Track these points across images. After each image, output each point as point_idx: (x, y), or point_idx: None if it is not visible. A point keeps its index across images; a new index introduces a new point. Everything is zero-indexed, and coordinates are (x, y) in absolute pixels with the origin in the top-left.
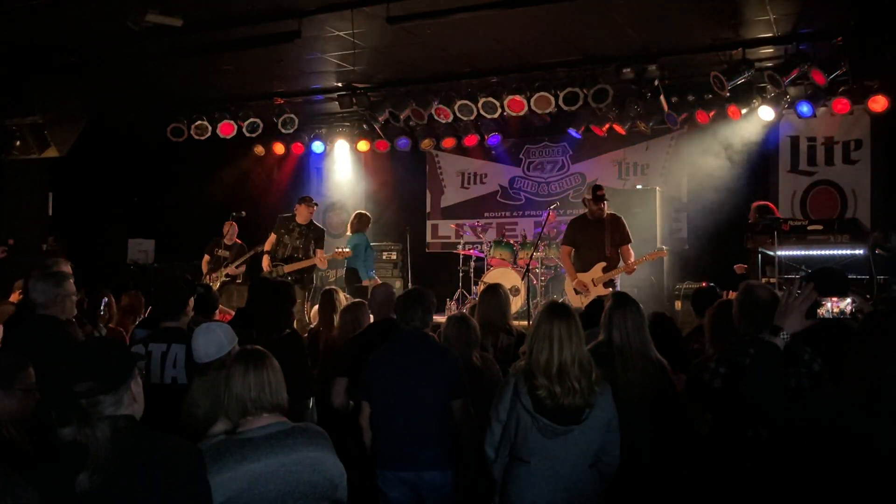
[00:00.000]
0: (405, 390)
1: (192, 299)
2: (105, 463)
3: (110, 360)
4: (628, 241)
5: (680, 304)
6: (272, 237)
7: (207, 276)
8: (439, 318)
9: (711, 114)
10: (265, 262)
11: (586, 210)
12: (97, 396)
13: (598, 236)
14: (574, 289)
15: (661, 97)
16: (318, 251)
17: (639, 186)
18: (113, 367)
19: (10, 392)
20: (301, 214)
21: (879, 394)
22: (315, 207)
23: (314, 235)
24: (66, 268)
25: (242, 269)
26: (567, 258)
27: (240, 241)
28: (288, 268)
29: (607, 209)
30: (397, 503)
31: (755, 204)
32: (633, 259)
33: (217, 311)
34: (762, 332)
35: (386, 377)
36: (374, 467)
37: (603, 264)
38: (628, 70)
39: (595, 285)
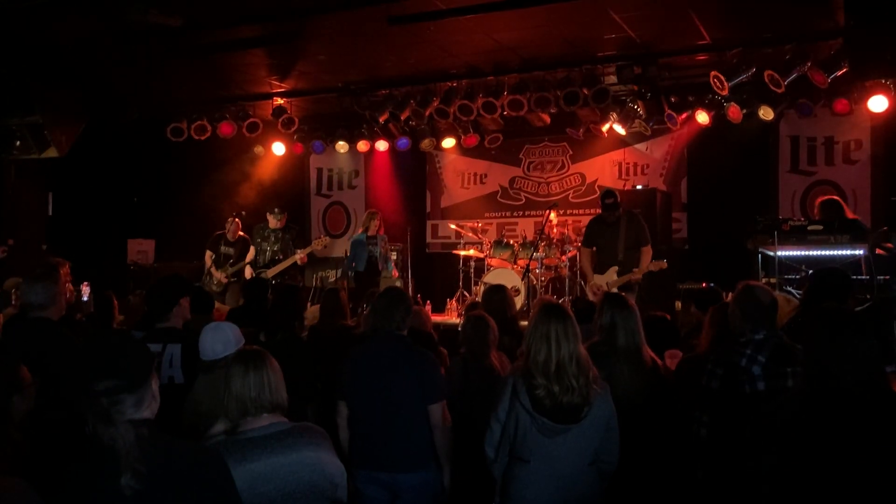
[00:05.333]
0: (381, 392)
1: (185, 299)
2: (137, 465)
3: (131, 357)
4: (645, 242)
5: (680, 303)
6: (252, 249)
7: (209, 274)
8: (438, 318)
9: (711, 114)
10: (247, 272)
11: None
12: (119, 395)
13: (612, 239)
14: (589, 290)
15: (661, 97)
16: (298, 250)
17: (639, 187)
18: (134, 365)
19: (21, 392)
20: (271, 222)
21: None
22: (284, 215)
23: (290, 236)
24: (60, 266)
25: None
26: (587, 259)
27: (243, 235)
28: (271, 272)
29: (621, 210)
30: (373, 502)
31: (820, 199)
32: (644, 266)
33: (214, 310)
34: (759, 332)
35: (362, 378)
36: (350, 466)
37: (616, 268)
38: (628, 70)
39: (609, 289)
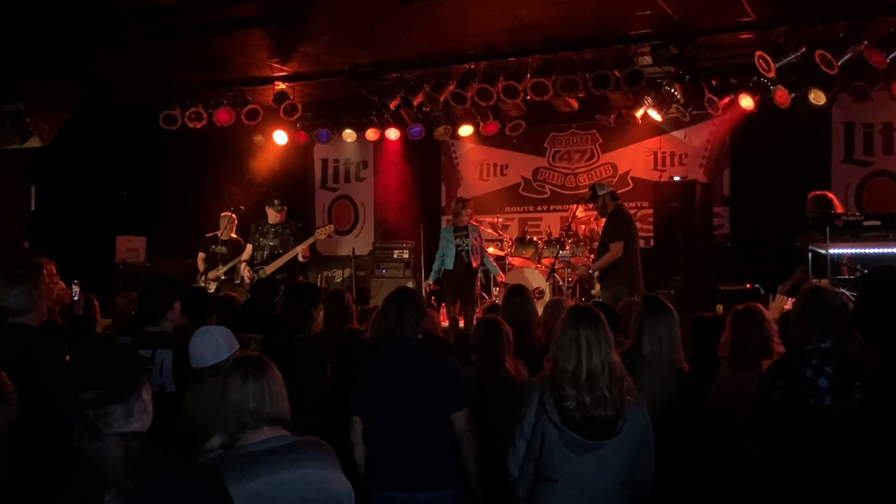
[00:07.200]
0: (399, 402)
1: (178, 302)
2: (124, 482)
3: (119, 365)
4: (611, 239)
5: (721, 307)
6: (248, 247)
7: (204, 276)
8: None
9: (756, 98)
10: (245, 271)
11: None
12: (107, 406)
13: None
14: None
15: (701, 80)
16: (298, 246)
17: (676, 178)
18: (123, 374)
19: (2, 400)
20: (271, 216)
21: None
22: (284, 208)
23: (290, 231)
24: (47, 266)
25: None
26: None
27: (236, 237)
28: (270, 268)
29: (599, 207)
30: None
31: (812, 194)
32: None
33: (214, 316)
34: (826, 341)
35: (378, 388)
36: (368, 488)
37: None
38: (664, 50)
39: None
